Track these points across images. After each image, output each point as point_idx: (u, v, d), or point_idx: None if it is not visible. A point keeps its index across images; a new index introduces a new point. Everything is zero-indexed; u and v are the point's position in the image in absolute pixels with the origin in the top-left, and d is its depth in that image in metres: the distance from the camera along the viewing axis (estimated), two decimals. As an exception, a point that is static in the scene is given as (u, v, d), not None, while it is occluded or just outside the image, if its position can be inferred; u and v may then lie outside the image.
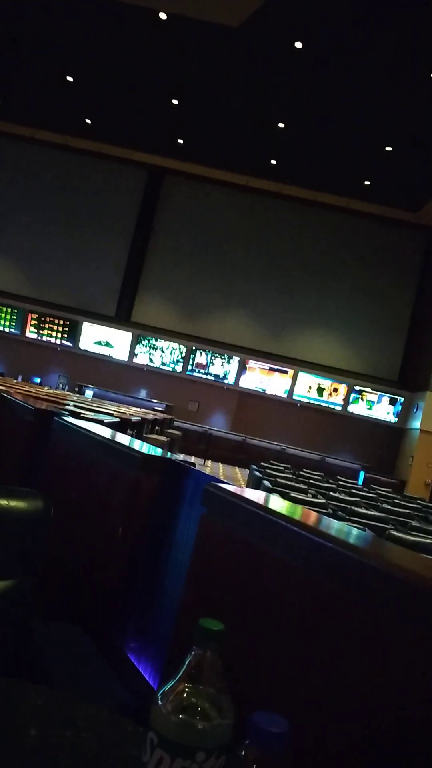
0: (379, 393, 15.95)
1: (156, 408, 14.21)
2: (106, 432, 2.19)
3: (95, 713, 0.80)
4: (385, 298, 16.36)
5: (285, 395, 16.06)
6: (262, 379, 16.16)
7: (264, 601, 1.02)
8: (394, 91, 10.75)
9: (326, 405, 16.03)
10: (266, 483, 6.55)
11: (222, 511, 1.21)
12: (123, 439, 2.11)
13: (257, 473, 7.82)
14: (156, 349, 16.35)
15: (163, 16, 10.30)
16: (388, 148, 12.71)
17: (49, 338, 16.45)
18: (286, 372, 16.07)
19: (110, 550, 1.66)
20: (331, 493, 7.25)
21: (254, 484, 7.49)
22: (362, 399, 15.99)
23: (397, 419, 15.84)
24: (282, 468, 9.18)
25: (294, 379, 16.01)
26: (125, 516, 1.65)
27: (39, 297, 16.61)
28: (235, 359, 16.13)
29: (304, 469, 9.93)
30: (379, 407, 15.96)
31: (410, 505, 8.22)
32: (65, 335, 16.40)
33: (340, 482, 9.38)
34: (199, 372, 16.23)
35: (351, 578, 0.86)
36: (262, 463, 9.25)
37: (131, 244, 16.78)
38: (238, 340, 16.41)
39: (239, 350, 16.22)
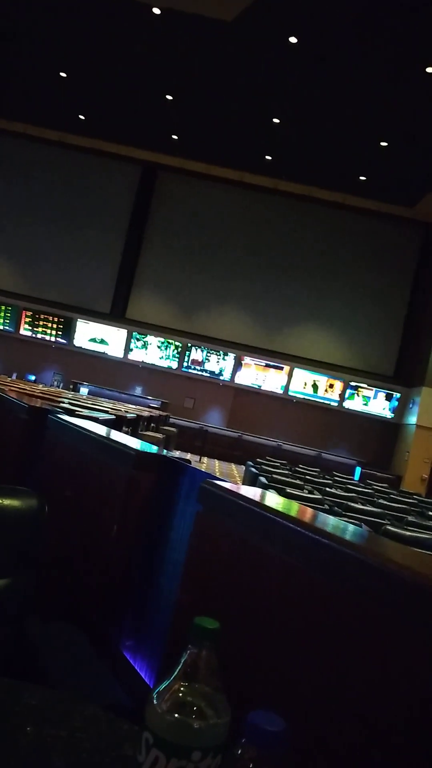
0: (375, 389, 15.98)
1: (151, 405, 14.20)
2: (100, 429, 2.18)
3: (90, 713, 0.79)
4: (381, 293, 16.38)
5: (281, 391, 16.08)
6: (257, 375, 16.16)
7: (260, 598, 1.01)
8: (389, 85, 10.74)
9: (322, 401, 16.06)
10: (262, 479, 6.55)
11: (217, 508, 1.20)
12: (118, 436, 2.10)
13: (253, 470, 7.82)
14: (151, 345, 16.32)
15: (156, 10, 10.24)
16: (384, 144, 12.71)
17: (43, 336, 16.40)
18: (281, 368, 16.08)
19: (106, 548, 1.65)
20: (327, 489, 7.26)
21: (250, 480, 7.50)
22: (358, 395, 16.02)
23: (393, 415, 15.89)
24: (278, 464, 9.19)
25: (290, 375, 16.02)
26: (121, 514, 1.64)
27: (33, 294, 16.55)
28: (231, 356, 16.12)
29: (300, 465, 9.95)
30: (375, 403, 15.99)
31: (406, 500, 8.25)
32: (60, 332, 16.35)
33: (336, 478, 9.39)
34: (194, 368, 16.22)
35: (348, 575, 0.86)
36: (258, 460, 9.25)
37: (126, 240, 16.72)
38: (233, 337, 16.40)
39: (235, 346, 16.21)
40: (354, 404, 16.00)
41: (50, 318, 16.32)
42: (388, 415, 15.93)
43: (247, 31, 10.13)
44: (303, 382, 16.07)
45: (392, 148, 12.79)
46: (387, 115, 11.67)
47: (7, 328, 16.42)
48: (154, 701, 0.57)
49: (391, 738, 0.73)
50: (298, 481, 7.07)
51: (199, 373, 16.21)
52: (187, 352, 16.19)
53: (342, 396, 15.99)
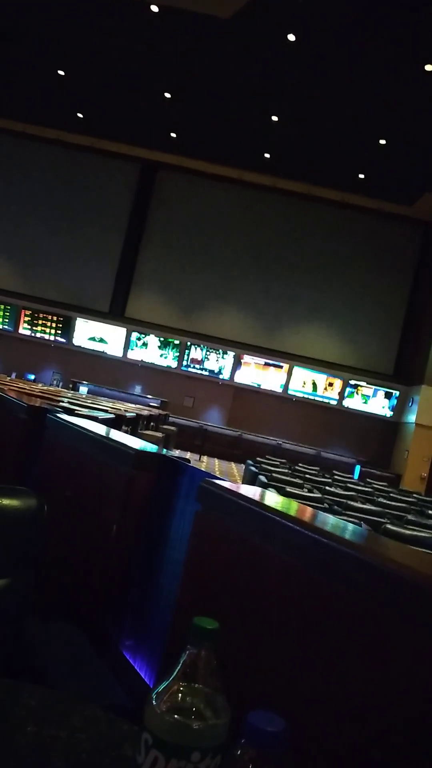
0: (374, 387, 15.98)
1: (151, 404, 14.19)
2: (99, 429, 2.18)
3: (90, 713, 0.79)
4: (381, 292, 16.37)
5: (280, 390, 16.08)
6: (257, 374, 16.16)
7: (259, 597, 1.01)
8: (388, 83, 10.72)
9: (322, 399, 16.06)
10: (262, 478, 6.55)
11: (217, 507, 1.20)
12: (117, 435, 2.09)
13: (253, 468, 7.83)
14: (150, 344, 16.31)
15: (154, 8, 10.22)
16: (383, 142, 12.69)
17: (42, 335, 16.38)
18: (281, 367, 16.07)
19: (105, 548, 1.65)
20: (327, 487, 7.26)
21: (250, 479, 7.50)
22: (357, 393, 16.02)
23: (392, 413, 15.89)
24: (278, 463, 9.19)
25: (289, 373, 16.02)
26: (120, 513, 1.64)
27: (32, 293, 16.53)
28: (230, 354, 16.12)
29: (300, 464, 9.95)
30: (375, 401, 16.00)
31: (406, 499, 8.25)
32: (59, 331, 16.34)
33: (336, 477, 9.39)
34: (194, 367, 16.21)
35: (347, 574, 0.86)
36: (258, 459, 9.25)
37: (125, 239, 16.71)
38: (232, 335, 16.39)
39: (234, 345, 16.21)
40: (353, 403, 16.00)
41: (49, 317, 16.31)
42: (388, 413, 15.93)
43: (245, 28, 10.11)
44: (302, 381, 16.07)
45: (391, 146, 12.78)
46: (386, 113, 11.66)
47: (6, 327, 16.40)
48: (153, 702, 0.57)
49: (391, 738, 0.73)
50: (297, 480, 7.07)
51: (199, 371, 16.20)
52: (187, 351, 16.18)
53: (341, 394, 15.99)
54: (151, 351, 16.31)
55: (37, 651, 1.28)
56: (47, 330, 16.36)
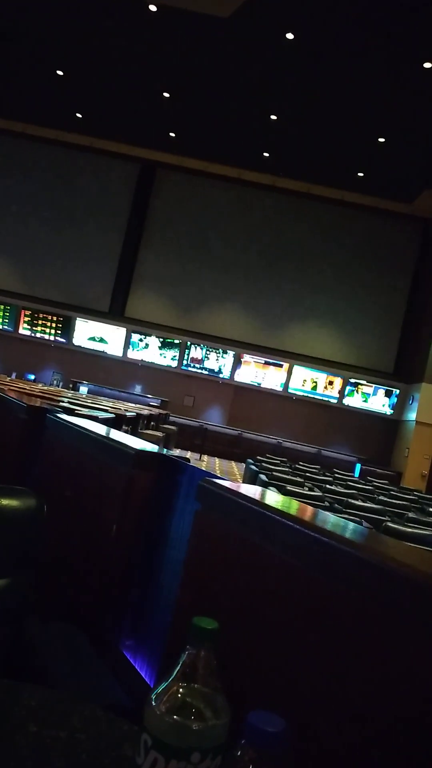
0: (374, 385, 15.98)
1: (151, 403, 14.20)
2: (99, 428, 2.18)
3: (90, 713, 0.79)
4: (380, 289, 16.36)
5: (280, 389, 16.08)
6: (257, 373, 16.16)
7: (260, 597, 1.01)
8: (387, 81, 10.71)
9: (322, 398, 16.06)
10: (262, 477, 6.55)
11: (216, 506, 1.20)
12: (117, 435, 2.09)
13: (253, 467, 7.83)
14: (151, 344, 16.30)
15: (153, 8, 10.20)
16: (382, 139, 12.68)
17: (42, 335, 16.38)
18: (281, 365, 16.07)
19: (105, 547, 1.65)
20: (328, 486, 7.26)
21: (250, 478, 7.50)
22: (358, 391, 16.02)
23: (392, 411, 15.89)
24: (278, 462, 9.19)
25: (289, 372, 16.02)
26: (120, 513, 1.64)
27: (32, 293, 16.53)
28: (230, 353, 16.11)
29: (301, 463, 9.95)
30: (375, 399, 15.99)
31: (406, 496, 8.25)
32: (59, 331, 16.34)
33: (337, 475, 9.40)
34: (194, 366, 16.21)
35: (347, 573, 0.85)
36: (258, 457, 9.26)
37: (124, 238, 16.70)
38: (232, 334, 16.39)
39: (234, 344, 16.20)
40: (354, 401, 16.00)
41: (49, 317, 16.31)
42: (388, 411, 15.93)
43: (244, 27, 10.10)
44: (302, 380, 16.07)
45: (390, 144, 12.76)
46: (385, 111, 11.65)
47: (6, 327, 16.40)
48: (153, 702, 0.57)
49: (392, 738, 0.72)
50: (298, 479, 7.07)
51: (199, 371, 16.20)
52: (187, 350, 16.18)
53: (341, 393, 15.99)
54: (151, 350, 16.31)
55: (37, 651, 1.28)
56: (47, 330, 16.36)
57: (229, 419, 16.13)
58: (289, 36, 10.10)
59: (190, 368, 16.21)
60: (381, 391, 15.97)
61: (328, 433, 15.94)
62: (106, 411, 5.12)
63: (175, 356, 16.22)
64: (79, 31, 11.51)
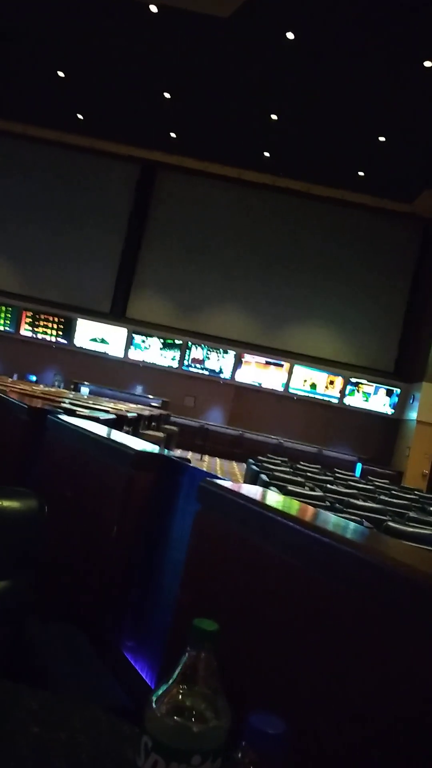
0: (375, 385, 15.97)
1: (152, 404, 14.19)
2: (99, 429, 2.18)
3: (91, 715, 0.79)
4: (381, 289, 16.35)
5: (281, 389, 16.07)
6: (258, 372, 16.16)
7: (260, 598, 1.01)
8: (387, 80, 10.70)
9: (322, 398, 16.05)
10: (263, 477, 6.55)
11: (217, 507, 1.20)
12: (117, 436, 2.09)
13: (254, 467, 7.82)
14: (152, 345, 16.31)
15: (153, 8, 10.21)
16: (382, 139, 12.67)
17: (43, 336, 16.39)
18: (281, 365, 16.06)
19: (106, 548, 1.65)
20: (329, 485, 7.26)
21: (251, 478, 7.50)
22: (358, 391, 16.01)
23: (393, 411, 15.87)
24: (279, 461, 9.18)
25: (290, 372, 16.01)
26: (120, 514, 1.63)
27: (33, 294, 16.54)
28: (231, 353, 16.11)
29: (301, 463, 9.94)
30: (376, 399, 15.98)
31: (407, 496, 8.25)
32: (60, 333, 16.34)
33: (338, 475, 9.39)
34: (195, 367, 16.21)
35: (348, 574, 0.85)
36: (259, 457, 9.25)
37: (125, 239, 16.71)
38: (233, 334, 16.39)
39: (235, 344, 16.20)
40: (354, 400, 15.99)
41: (50, 318, 16.31)
42: (389, 411, 15.92)
43: (244, 27, 10.10)
44: (303, 379, 16.06)
45: (390, 143, 12.75)
46: (385, 111, 11.64)
47: (7, 328, 16.41)
48: (153, 705, 0.57)
49: (392, 738, 0.72)
50: (299, 479, 7.07)
51: (200, 371, 16.20)
52: (188, 351, 16.18)
53: (342, 392, 15.98)
54: (152, 351, 16.31)
55: (37, 651, 1.27)
56: (48, 331, 16.37)
57: (230, 419, 16.12)
58: (290, 36, 10.10)
59: (190, 368, 16.21)
60: (382, 391, 15.96)
61: (328, 433, 15.93)
62: (107, 412, 5.12)
63: (175, 357, 16.22)
64: (79, 32, 11.52)
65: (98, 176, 16.68)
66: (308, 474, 8.20)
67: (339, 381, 15.99)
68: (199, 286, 16.61)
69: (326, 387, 16.05)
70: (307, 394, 16.05)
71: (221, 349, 16.13)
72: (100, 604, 1.61)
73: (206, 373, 16.18)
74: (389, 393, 15.92)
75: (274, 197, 16.37)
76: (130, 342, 16.26)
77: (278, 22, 9.84)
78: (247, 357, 16.11)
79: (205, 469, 1.64)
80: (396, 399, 15.84)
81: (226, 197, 16.50)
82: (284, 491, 5.40)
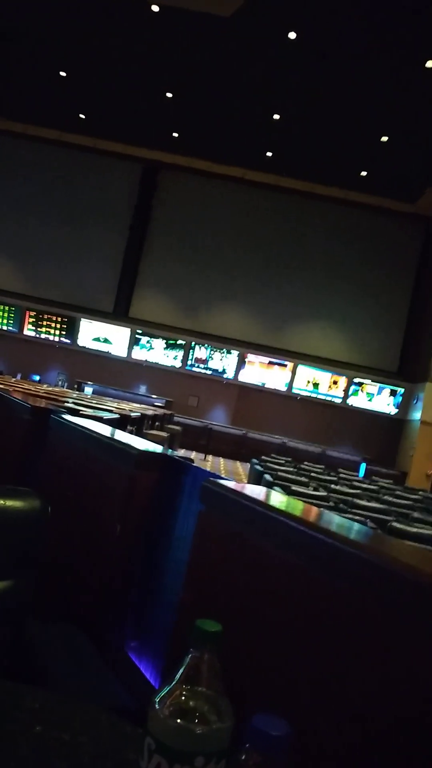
0: (379, 385, 15.93)
1: (156, 404, 14.20)
2: (102, 429, 2.17)
3: (93, 715, 0.78)
4: (384, 289, 16.32)
5: (285, 389, 16.05)
6: (261, 372, 16.15)
7: (264, 598, 1.00)
8: (390, 80, 10.68)
9: (326, 398, 16.03)
10: (267, 477, 6.54)
11: (220, 507, 1.19)
12: (119, 435, 2.09)
13: (258, 467, 7.81)
14: (156, 345, 16.32)
15: (155, 8, 10.21)
16: (384, 138, 12.64)
17: (47, 336, 16.42)
18: (285, 365, 16.05)
19: (107, 548, 1.64)
20: (333, 485, 7.25)
21: (255, 478, 7.49)
22: (362, 391, 15.98)
23: (397, 411, 15.84)
24: (283, 461, 9.17)
25: (293, 372, 16.00)
26: (123, 514, 1.63)
27: (36, 294, 16.57)
28: (234, 353, 16.11)
29: (305, 463, 9.93)
30: (379, 399, 15.95)
31: (411, 496, 8.22)
32: (63, 332, 16.37)
33: (342, 475, 9.37)
34: (198, 367, 16.21)
35: (351, 574, 0.85)
36: (263, 457, 9.24)
37: (128, 239, 16.72)
38: (236, 334, 16.39)
39: (238, 344, 16.20)
40: (358, 401, 15.96)
41: (54, 318, 16.34)
42: (393, 411, 15.88)
43: (246, 26, 10.09)
44: (307, 379, 16.04)
45: (393, 143, 12.73)
46: (388, 110, 11.61)
47: (11, 328, 16.44)
48: (156, 706, 0.56)
49: (396, 741, 0.71)
50: (303, 479, 7.06)
51: (203, 371, 16.20)
52: (191, 350, 16.18)
53: (346, 392, 15.95)
54: (155, 351, 16.32)
55: (38, 652, 1.27)
56: (52, 331, 16.40)
57: (234, 419, 16.12)
58: (292, 35, 10.08)
59: (194, 368, 16.21)
60: (385, 391, 15.93)
61: (332, 433, 15.90)
62: (110, 411, 5.13)
63: (177, 356, 16.23)
64: (81, 32, 11.53)
65: (100, 176, 16.70)
66: (312, 474, 8.19)
67: (342, 381, 15.96)
68: (201, 285, 16.61)
69: (330, 387, 16.03)
70: (310, 394, 16.04)
71: (224, 349, 16.12)
72: (101, 604, 1.61)
73: (209, 372, 16.17)
74: (393, 393, 15.89)
75: (276, 197, 16.36)
76: (133, 342, 16.28)
77: (280, 22, 9.83)
78: (250, 357, 16.10)
79: (208, 469, 1.63)
80: (400, 399, 15.80)
81: (228, 197, 16.50)
82: (288, 491, 5.39)
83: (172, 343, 16.26)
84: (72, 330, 16.30)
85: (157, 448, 1.88)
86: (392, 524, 4.61)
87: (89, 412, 4.02)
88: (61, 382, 15.81)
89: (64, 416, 2.38)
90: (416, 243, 16.31)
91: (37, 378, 15.71)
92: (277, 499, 1.24)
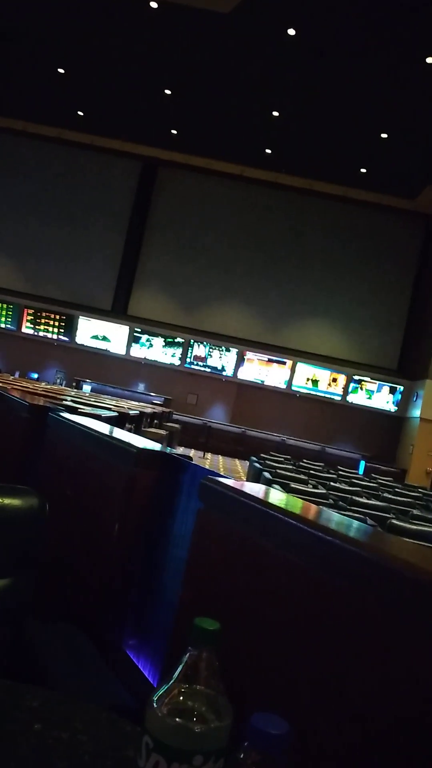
0: (378, 382, 15.94)
1: (155, 401, 14.20)
2: (101, 427, 2.17)
3: (92, 714, 0.78)
4: (384, 286, 16.31)
5: (284, 386, 16.05)
6: (260, 370, 16.14)
7: (263, 597, 1.00)
8: (389, 76, 10.66)
9: (326, 395, 16.03)
10: (266, 475, 6.55)
11: (218, 505, 1.19)
12: (118, 433, 2.09)
13: (257, 465, 7.82)
14: (155, 343, 16.31)
15: (153, 4, 10.18)
16: (384, 135, 12.62)
17: (45, 333, 16.40)
18: (284, 363, 16.05)
19: (106, 547, 1.64)
20: (332, 483, 7.26)
21: (254, 476, 7.50)
22: (361, 388, 15.99)
23: (396, 408, 15.85)
24: (282, 459, 9.18)
25: (292, 369, 15.99)
26: (121, 512, 1.63)
27: (34, 292, 16.55)
28: (233, 351, 16.10)
29: (305, 460, 9.94)
30: (379, 396, 15.96)
31: (411, 493, 8.23)
32: (62, 330, 16.35)
33: (341, 472, 9.39)
34: (197, 364, 16.20)
35: (351, 572, 0.84)
36: (262, 455, 9.25)
37: (126, 236, 16.69)
38: (235, 332, 16.38)
39: (237, 342, 16.19)
40: (357, 398, 15.97)
41: (52, 316, 16.32)
42: (392, 408, 15.89)
43: (245, 23, 10.06)
44: (306, 377, 16.04)
45: (393, 139, 12.71)
46: (387, 107, 11.59)
47: (9, 326, 16.42)
48: (154, 705, 0.56)
49: (396, 741, 0.71)
50: (302, 476, 7.06)
51: (202, 369, 16.19)
52: (190, 348, 16.17)
53: (345, 390, 15.96)
54: (154, 348, 16.32)
55: (38, 651, 1.27)
56: (50, 329, 16.38)
57: (233, 417, 16.12)
58: (291, 32, 10.06)
59: (193, 366, 16.20)
60: (385, 388, 15.93)
61: (332, 431, 15.91)
62: (109, 409, 5.12)
63: (175, 354, 16.22)
64: (80, 29, 11.50)
65: (99, 173, 16.66)
66: (311, 472, 8.20)
67: (342, 378, 15.97)
68: (200, 283, 16.60)
69: (329, 384, 16.03)
70: (309, 392, 16.04)
71: (223, 347, 16.12)
72: (100, 603, 1.60)
73: (208, 370, 16.17)
74: (392, 390, 15.89)
75: (275, 194, 16.33)
76: (132, 339, 16.26)
77: (279, 18, 9.80)
78: (249, 354, 16.10)
79: (207, 467, 1.63)
80: (399, 396, 15.81)
81: (227, 194, 16.47)
82: (287, 489, 5.40)
83: (170, 340, 16.25)
84: (70, 328, 16.29)
85: (156, 446, 1.88)
86: (392, 521, 4.62)
87: (88, 410, 4.02)
88: (60, 380, 15.80)
89: (62, 414, 2.38)
90: (416, 240, 16.30)
91: (36, 376, 15.70)
92: (276, 496, 1.24)
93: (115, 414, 4.83)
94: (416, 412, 14.79)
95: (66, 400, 4.59)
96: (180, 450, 7.66)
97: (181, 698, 0.56)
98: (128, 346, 16.27)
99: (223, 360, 16.14)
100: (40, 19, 11.46)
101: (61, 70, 13.22)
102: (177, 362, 16.23)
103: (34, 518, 1.27)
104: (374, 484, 8.52)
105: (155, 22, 10.66)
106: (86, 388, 14.14)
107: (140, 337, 16.28)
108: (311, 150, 14.27)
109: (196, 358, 16.20)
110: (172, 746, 0.55)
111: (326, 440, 15.67)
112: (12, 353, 16.41)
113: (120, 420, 5.00)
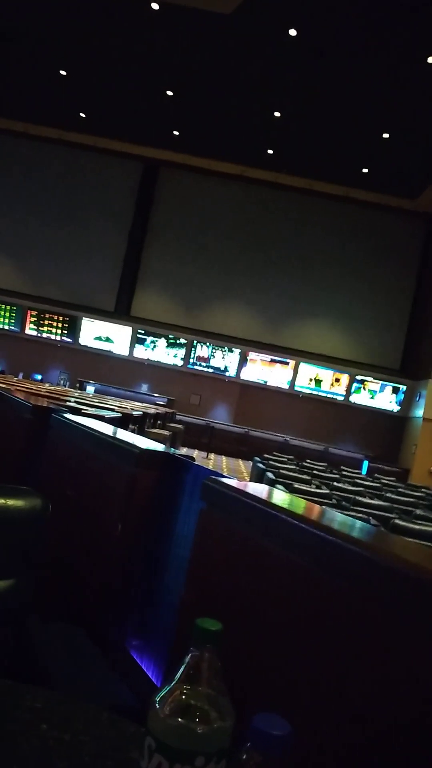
0: (381, 382, 15.92)
1: (158, 402, 14.21)
2: (103, 428, 2.17)
3: (94, 715, 0.78)
4: (386, 286, 16.29)
5: (287, 386, 16.04)
6: (263, 370, 16.14)
7: (265, 597, 1.00)
8: (390, 76, 10.64)
9: (328, 395, 16.01)
10: (269, 475, 6.54)
11: (221, 505, 1.19)
12: (120, 434, 2.08)
13: (260, 465, 7.82)
14: (158, 345, 16.32)
15: (155, 5, 10.19)
16: (385, 135, 12.61)
17: (48, 335, 16.43)
18: (287, 363, 16.04)
19: (109, 547, 1.64)
20: (335, 483, 7.24)
21: (257, 476, 7.49)
22: (364, 389, 15.96)
23: (399, 408, 15.82)
24: (285, 459, 9.17)
25: (295, 370, 15.98)
26: (123, 512, 1.63)
27: (37, 293, 16.58)
28: (236, 351, 16.10)
29: (308, 460, 9.93)
30: (382, 396, 15.93)
31: (414, 493, 8.22)
32: (65, 331, 16.38)
33: (344, 472, 9.37)
34: (200, 365, 16.21)
35: (353, 573, 0.84)
36: (265, 455, 9.25)
37: (129, 237, 16.71)
38: (238, 332, 16.38)
39: (240, 342, 16.19)
40: (360, 398, 15.95)
41: (55, 317, 16.35)
42: (395, 408, 15.87)
43: (246, 24, 10.06)
44: (308, 377, 16.03)
45: (394, 139, 12.69)
46: (388, 107, 11.58)
47: (12, 328, 16.46)
48: (157, 705, 0.56)
49: (397, 742, 0.71)
50: (305, 476, 7.05)
51: (205, 369, 16.20)
52: (193, 349, 16.18)
53: (348, 390, 15.94)
54: (157, 349, 16.33)
55: (39, 651, 1.27)
56: (53, 330, 16.41)
57: (236, 417, 16.11)
58: (292, 32, 10.05)
59: (196, 367, 16.21)
60: (388, 388, 15.90)
61: (335, 431, 15.89)
62: (112, 410, 5.13)
63: (178, 354, 16.22)
64: (81, 31, 11.52)
65: (101, 174, 16.69)
66: (314, 472, 8.19)
67: (345, 378, 15.95)
68: (202, 283, 16.60)
69: (332, 384, 16.01)
70: (312, 392, 16.02)
71: (226, 347, 16.12)
72: (102, 603, 1.60)
73: (211, 371, 16.17)
74: (395, 390, 15.87)
75: (277, 194, 16.33)
76: (135, 340, 16.28)
77: (280, 19, 9.80)
78: (252, 355, 16.10)
79: (210, 468, 1.63)
80: (402, 396, 15.78)
81: (229, 194, 16.48)
82: (290, 489, 5.39)
83: (173, 341, 16.26)
84: (73, 329, 16.31)
85: (159, 447, 1.88)
86: (395, 521, 4.60)
87: (91, 411, 4.02)
88: (63, 381, 15.82)
89: (65, 415, 2.38)
90: (417, 240, 16.27)
91: (39, 377, 15.72)
92: (279, 496, 1.24)
93: (119, 415, 4.83)
94: (419, 412, 14.76)
95: (70, 401, 4.59)
96: (183, 450, 7.66)
97: (184, 699, 0.56)
98: (131, 347, 16.29)
99: (226, 360, 16.15)
100: (42, 21, 11.49)
101: (62, 72, 13.25)
102: (180, 363, 16.24)
103: (36, 519, 1.27)
104: (377, 484, 8.51)
105: (156, 23, 10.68)
106: (90, 389, 14.16)
107: (144, 338, 16.30)
108: (312, 150, 14.26)
109: (199, 358, 16.20)
110: (174, 747, 0.55)
111: (329, 440, 15.65)
112: (16, 355, 16.45)
113: (123, 421, 5.00)
